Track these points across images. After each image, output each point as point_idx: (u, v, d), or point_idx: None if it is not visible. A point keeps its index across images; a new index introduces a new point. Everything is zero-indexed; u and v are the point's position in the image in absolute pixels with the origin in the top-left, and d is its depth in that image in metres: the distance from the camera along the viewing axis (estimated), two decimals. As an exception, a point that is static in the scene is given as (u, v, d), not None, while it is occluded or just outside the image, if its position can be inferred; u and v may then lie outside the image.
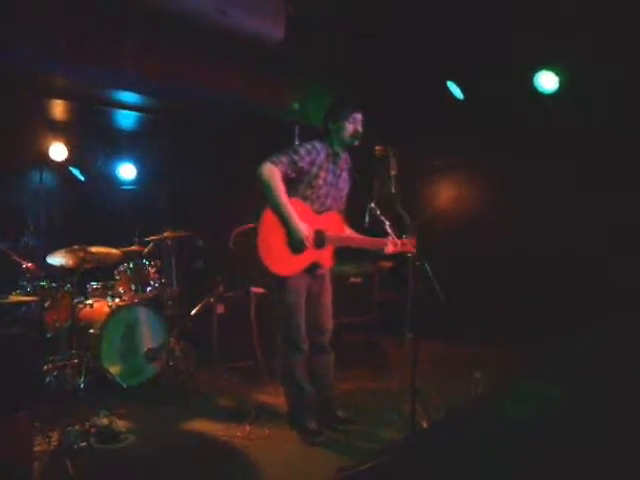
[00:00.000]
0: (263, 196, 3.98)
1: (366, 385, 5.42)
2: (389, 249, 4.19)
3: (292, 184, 4.09)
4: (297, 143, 6.85)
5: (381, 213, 4.15)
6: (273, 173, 3.93)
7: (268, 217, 3.98)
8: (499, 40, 5.74)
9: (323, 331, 4.32)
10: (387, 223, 4.15)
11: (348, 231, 4.38)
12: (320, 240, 4.11)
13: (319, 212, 4.18)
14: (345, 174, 4.34)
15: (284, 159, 3.98)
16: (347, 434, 4.24)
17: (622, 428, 2.19)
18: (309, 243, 4.00)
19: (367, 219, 4.18)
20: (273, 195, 3.92)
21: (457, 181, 7.63)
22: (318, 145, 4.15)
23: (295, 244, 3.98)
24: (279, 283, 4.09)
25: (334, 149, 4.21)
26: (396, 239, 4.19)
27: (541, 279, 6.33)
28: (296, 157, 4.01)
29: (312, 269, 4.16)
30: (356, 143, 4.20)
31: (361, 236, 4.34)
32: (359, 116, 4.20)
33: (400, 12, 5.74)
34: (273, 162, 3.95)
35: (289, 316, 4.12)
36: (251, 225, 4.13)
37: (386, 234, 4.19)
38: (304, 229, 3.97)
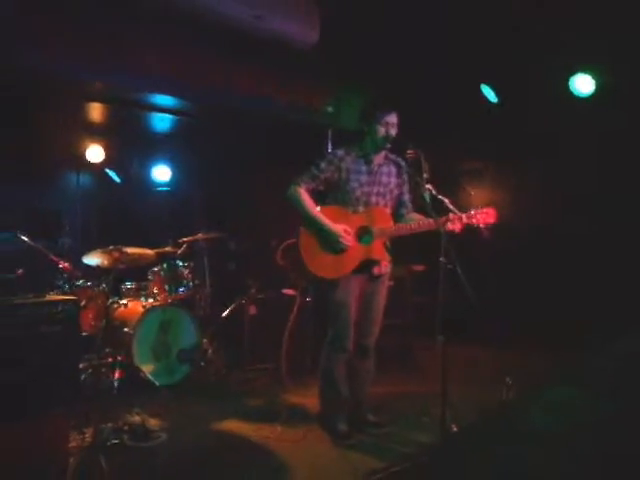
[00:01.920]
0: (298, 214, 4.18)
1: (397, 388, 5.41)
2: (451, 226, 3.95)
3: (327, 194, 4.26)
4: (329, 148, 6.89)
5: (438, 192, 4.00)
6: (297, 191, 4.16)
7: (304, 231, 4.17)
8: (535, 43, 5.69)
9: (369, 334, 4.34)
10: (446, 200, 4.06)
11: (417, 217, 4.30)
12: (366, 235, 4.15)
13: (358, 211, 4.21)
14: (386, 168, 4.32)
15: (305, 177, 4.18)
16: (377, 437, 4.23)
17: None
18: (347, 240, 4.07)
19: (427, 201, 4.05)
20: (302, 209, 4.14)
21: (489, 183, 7.58)
22: (340, 152, 4.23)
23: (334, 245, 4.08)
24: (331, 281, 4.16)
25: (365, 151, 4.23)
26: (460, 214, 4.00)
27: (576, 283, 6.24)
28: (316, 171, 4.18)
29: (366, 267, 4.20)
30: (388, 146, 4.19)
31: (414, 222, 4.17)
32: (392, 119, 4.16)
33: (435, 15, 5.73)
34: (296, 183, 4.17)
35: (337, 314, 4.17)
36: (294, 240, 4.25)
37: (447, 212, 4.05)
38: (338, 228, 4.08)
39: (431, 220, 4.00)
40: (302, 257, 4.13)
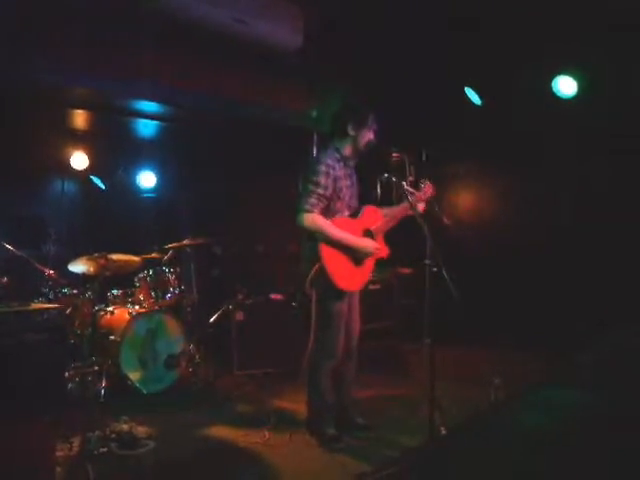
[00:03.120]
0: (311, 235, 4.05)
1: (384, 391, 5.41)
2: (420, 207, 4.32)
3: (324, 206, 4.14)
4: (314, 152, 6.89)
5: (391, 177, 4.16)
6: (314, 219, 3.98)
7: (325, 250, 3.99)
8: (518, 45, 5.73)
9: (354, 336, 4.36)
10: (404, 183, 4.14)
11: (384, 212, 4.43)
12: (370, 237, 4.22)
13: (355, 215, 4.23)
14: (353, 169, 4.39)
15: (314, 200, 3.99)
16: (365, 440, 4.23)
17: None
18: (376, 251, 4.17)
19: (379, 191, 4.21)
20: (328, 236, 3.98)
21: (474, 186, 7.62)
22: (329, 160, 4.12)
23: (365, 257, 4.15)
24: (334, 292, 4.07)
25: (342, 153, 4.21)
26: (419, 193, 4.35)
27: (561, 282, 6.28)
28: (321, 190, 4.01)
29: None
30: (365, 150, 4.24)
31: (393, 210, 4.36)
32: (375, 125, 4.24)
33: (418, 18, 5.75)
34: (307, 210, 3.98)
35: (333, 322, 4.13)
36: (316, 268, 4.05)
37: (410, 194, 4.18)
38: (369, 244, 4.15)
39: (407, 204, 4.19)
40: (331, 277, 3.98)
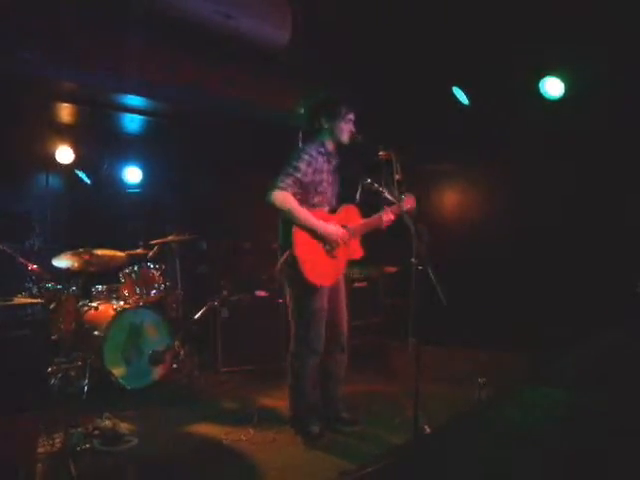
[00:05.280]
0: (286, 220, 4.02)
1: (369, 389, 5.41)
2: (390, 217, 4.25)
3: (301, 196, 4.10)
4: (300, 148, 6.88)
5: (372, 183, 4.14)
6: (285, 197, 3.95)
7: (299, 236, 4.00)
8: (506, 46, 5.75)
9: (343, 331, 4.36)
10: (385, 191, 4.12)
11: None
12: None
13: (332, 211, 4.23)
14: (336, 166, 4.38)
15: (289, 181, 3.99)
16: (350, 437, 4.23)
17: (621, 431, 2.20)
18: (344, 240, 4.12)
19: (358, 196, 4.20)
20: (296, 216, 3.96)
21: (460, 185, 7.63)
22: (313, 151, 4.15)
23: (332, 246, 4.09)
24: (309, 289, 4.06)
25: (326, 148, 4.23)
26: (399, 203, 4.16)
27: (544, 284, 6.31)
28: (299, 175, 4.02)
29: None
30: (348, 143, 4.22)
31: (373, 217, 4.31)
32: (352, 116, 4.22)
33: (407, 16, 5.75)
34: (281, 188, 3.96)
35: (313, 321, 4.12)
36: (287, 254, 4.03)
37: (388, 202, 4.18)
38: (335, 230, 4.09)
39: (381, 213, 4.22)
40: (301, 267, 3.95)
